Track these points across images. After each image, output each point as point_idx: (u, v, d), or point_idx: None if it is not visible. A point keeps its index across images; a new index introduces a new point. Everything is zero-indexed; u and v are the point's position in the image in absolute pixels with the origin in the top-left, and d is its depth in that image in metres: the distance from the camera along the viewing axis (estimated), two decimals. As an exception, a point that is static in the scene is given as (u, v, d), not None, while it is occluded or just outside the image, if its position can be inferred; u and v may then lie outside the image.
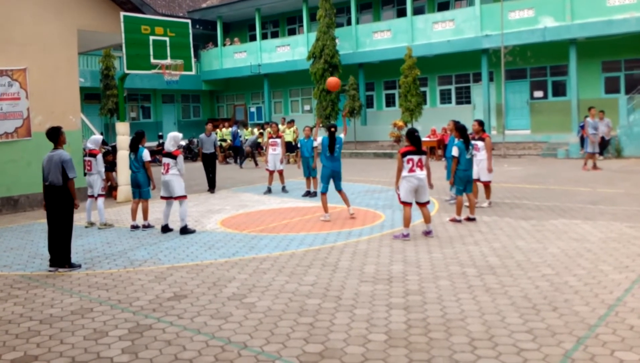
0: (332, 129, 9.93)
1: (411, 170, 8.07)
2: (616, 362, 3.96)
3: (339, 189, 10.00)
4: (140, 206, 9.72)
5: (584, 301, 5.21)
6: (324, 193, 9.78)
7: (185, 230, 9.06)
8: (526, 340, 4.38)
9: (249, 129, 24.24)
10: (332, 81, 10.29)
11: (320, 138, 10.10)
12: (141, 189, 9.65)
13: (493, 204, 10.65)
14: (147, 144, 10.10)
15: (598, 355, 4.07)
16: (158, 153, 9.51)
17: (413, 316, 4.98)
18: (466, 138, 9.29)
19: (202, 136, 14.67)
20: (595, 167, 15.59)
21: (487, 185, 10.51)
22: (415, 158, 8.09)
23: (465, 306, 5.19)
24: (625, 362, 3.96)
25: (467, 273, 6.25)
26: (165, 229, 9.23)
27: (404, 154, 8.09)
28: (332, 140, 9.84)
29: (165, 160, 9.29)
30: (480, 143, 10.32)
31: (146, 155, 9.60)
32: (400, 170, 8.14)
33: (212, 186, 14.33)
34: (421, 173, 8.12)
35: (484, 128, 10.61)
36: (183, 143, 21.14)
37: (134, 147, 9.66)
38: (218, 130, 25.76)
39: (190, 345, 4.57)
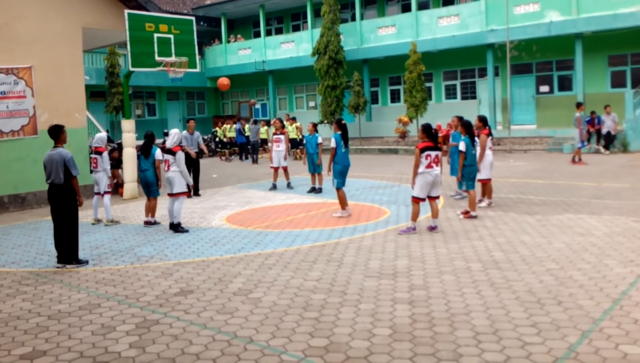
0: (343, 122, 9.97)
1: (429, 166, 8.12)
2: (620, 355, 3.97)
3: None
4: (150, 203, 9.77)
5: (588, 295, 5.22)
6: (340, 188, 9.72)
7: (176, 227, 9.04)
8: (530, 334, 4.40)
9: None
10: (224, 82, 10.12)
11: (333, 137, 9.93)
12: (150, 188, 9.69)
13: (498, 199, 10.63)
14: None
15: (602, 349, 4.08)
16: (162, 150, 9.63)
17: (418, 311, 5.00)
18: (471, 134, 9.31)
19: (185, 133, 13.13)
20: (578, 160, 16.09)
21: (483, 183, 10.13)
22: (433, 153, 8.14)
23: (469, 301, 5.21)
24: (630, 355, 3.97)
25: (472, 268, 6.26)
26: (172, 226, 9.27)
27: (422, 150, 8.11)
28: (345, 134, 9.83)
29: (166, 156, 9.31)
30: (477, 139, 10.22)
31: (158, 154, 9.58)
32: (417, 166, 8.14)
33: (195, 190, 13.06)
34: (437, 169, 8.18)
35: (486, 124, 10.40)
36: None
37: (146, 151, 9.64)
38: (217, 128, 25.81)
39: (197, 339, 4.61)
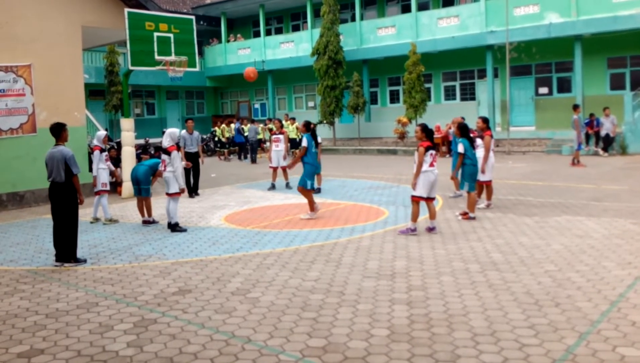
0: (312, 126, 10.23)
1: (431, 165, 8.21)
2: (618, 358, 3.97)
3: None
4: (141, 203, 9.76)
5: (586, 297, 5.22)
6: (309, 189, 9.80)
7: (173, 227, 9.02)
8: (528, 336, 4.40)
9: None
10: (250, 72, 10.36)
11: (304, 137, 10.04)
12: (140, 186, 9.68)
13: (496, 201, 10.63)
14: (151, 141, 10.11)
15: (600, 351, 4.09)
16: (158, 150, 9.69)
17: (416, 312, 5.00)
18: (467, 137, 9.31)
19: (184, 133, 12.93)
20: (577, 162, 16.09)
21: (486, 185, 10.14)
22: (434, 153, 8.25)
23: (467, 302, 5.21)
24: (627, 357, 3.97)
25: (470, 269, 6.26)
26: (170, 225, 9.25)
27: (427, 149, 8.16)
28: (314, 135, 10.05)
29: (162, 156, 9.28)
30: (479, 141, 10.25)
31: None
32: (421, 165, 8.16)
33: (194, 189, 13.05)
34: (436, 169, 8.26)
35: (489, 125, 10.43)
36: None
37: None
38: (217, 127, 25.81)
39: (195, 339, 4.61)
